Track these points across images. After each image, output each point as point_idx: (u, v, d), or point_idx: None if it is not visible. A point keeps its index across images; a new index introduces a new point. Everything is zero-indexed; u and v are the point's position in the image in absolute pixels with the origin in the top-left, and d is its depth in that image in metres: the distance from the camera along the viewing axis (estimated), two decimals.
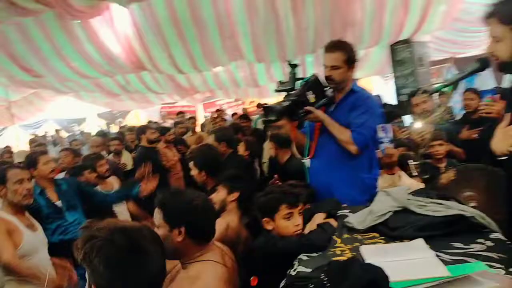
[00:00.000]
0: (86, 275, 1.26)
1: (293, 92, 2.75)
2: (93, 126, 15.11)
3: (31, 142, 8.86)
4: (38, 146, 7.29)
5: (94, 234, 1.23)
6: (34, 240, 2.93)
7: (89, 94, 11.51)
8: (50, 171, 3.58)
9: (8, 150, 8.21)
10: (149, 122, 11.17)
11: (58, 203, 3.53)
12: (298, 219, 2.15)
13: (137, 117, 17.02)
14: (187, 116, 10.18)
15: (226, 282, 1.83)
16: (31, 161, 3.56)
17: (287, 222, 2.13)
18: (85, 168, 4.31)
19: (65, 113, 15.35)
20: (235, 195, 2.68)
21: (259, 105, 11.99)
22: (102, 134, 8.57)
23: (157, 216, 1.82)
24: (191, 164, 3.21)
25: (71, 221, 3.51)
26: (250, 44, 6.72)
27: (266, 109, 2.69)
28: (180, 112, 9.46)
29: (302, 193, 2.31)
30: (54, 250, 3.10)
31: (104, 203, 3.93)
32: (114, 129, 13.85)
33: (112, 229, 1.24)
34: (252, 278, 2.16)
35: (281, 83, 2.86)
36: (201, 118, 13.97)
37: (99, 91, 10.11)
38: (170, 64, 7.02)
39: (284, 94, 2.84)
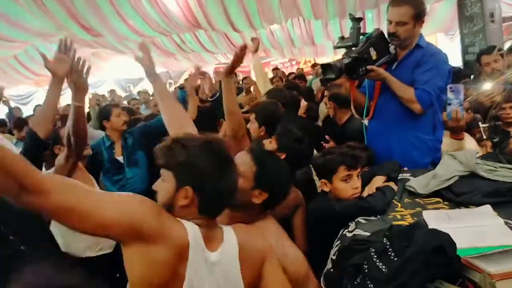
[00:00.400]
0: (167, 179, 1.34)
1: (354, 48, 2.59)
2: (149, 86, 15.42)
3: (91, 100, 9.16)
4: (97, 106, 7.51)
5: (190, 142, 1.36)
6: None
7: None
8: (122, 123, 3.63)
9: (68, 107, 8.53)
10: None
11: (120, 158, 3.60)
12: (356, 182, 2.07)
13: None
14: (240, 76, 10.12)
15: None
16: (104, 113, 3.63)
17: (345, 185, 2.06)
18: None
19: (124, 73, 15.72)
20: (282, 155, 2.36)
21: (314, 65, 11.73)
22: None
23: (247, 165, 1.69)
24: (252, 116, 3.03)
25: (130, 176, 3.59)
26: None
27: (325, 67, 2.56)
28: None
29: (361, 155, 2.21)
30: None
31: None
32: (171, 89, 14.06)
33: (206, 139, 1.38)
34: None
35: (341, 38, 2.70)
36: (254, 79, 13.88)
37: (155, 51, 10.24)
38: (225, 21, 6.95)
39: (343, 51, 2.69)
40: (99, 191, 1.35)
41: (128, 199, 1.27)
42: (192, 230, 1.29)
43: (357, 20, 2.59)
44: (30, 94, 13.49)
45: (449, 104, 2.26)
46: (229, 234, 1.41)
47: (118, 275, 2.88)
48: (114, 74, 15.44)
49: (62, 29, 6.78)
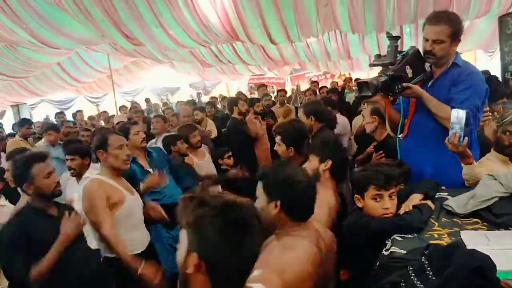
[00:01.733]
0: (183, 238, 1.18)
1: (391, 66, 2.60)
2: (186, 95, 15.69)
3: (131, 108, 9.42)
4: (137, 113, 7.73)
5: (208, 201, 1.16)
6: (133, 202, 3.03)
7: (184, 64, 11.94)
8: (141, 140, 3.69)
9: (105, 115, 8.80)
10: (238, 93, 11.36)
11: (150, 170, 3.68)
12: (387, 202, 2.03)
13: (228, 88, 17.41)
14: (275, 88, 10.20)
15: (316, 264, 1.76)
16: (122, 131, 3.64)
17: (375, 204, 2.04)
18: (179, 138, 4.47)
19: (161, 82, 16.08)
20: (328, 163, 2.55)
21: (346, 80, 11.71)
22: (192, 103, 8.89)
23: (259, 187, 1.87)
24: (278, 139, 3.15)
25: (163, 187, 3.66)
26: (346, 13, 6.52)
27: (361, 84, 2.57)
28: (262, 85, 9.52)
29: (395, 174, 2.15)
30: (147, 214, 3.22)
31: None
32: (205, 99, 14.29)
33: (226, 201, 1.18)
34: (342, 271, 2.12)
35: (378, 56, 2.71)
36: (288, 91, 13.95)
37: (193, 61, 10.43)
38: (263, 33, 7.01)
39: (378, 68, 2.70)
40: None
41: None
42: None
43: (394, 39, 2.59)
44: (71, 99, 13.95)
45: (452, 129, 2.24)
46: None
47: None
48: (152, 83, 15.81)
49: (105, 37, 6.99)
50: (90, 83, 12.34)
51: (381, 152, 3.40)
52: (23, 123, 6.78)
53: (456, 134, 2.19)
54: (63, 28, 6.66)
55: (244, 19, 6.64)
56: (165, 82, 16.10)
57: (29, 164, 2.51)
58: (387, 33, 2.69)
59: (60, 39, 7.02)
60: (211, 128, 6.39)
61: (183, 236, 1.17)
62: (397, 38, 2.61)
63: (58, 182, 2.63)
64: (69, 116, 10.28)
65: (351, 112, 6.42)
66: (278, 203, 1.81)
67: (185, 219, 1.16)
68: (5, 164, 4.10)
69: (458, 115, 2.18)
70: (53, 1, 5.82)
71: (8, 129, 9.22)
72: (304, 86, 12.29)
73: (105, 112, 10.94)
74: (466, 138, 2.20)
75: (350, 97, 8.18)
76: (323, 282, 1.84)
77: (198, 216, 1.13)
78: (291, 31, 7.01)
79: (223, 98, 10.16)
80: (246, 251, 1.13)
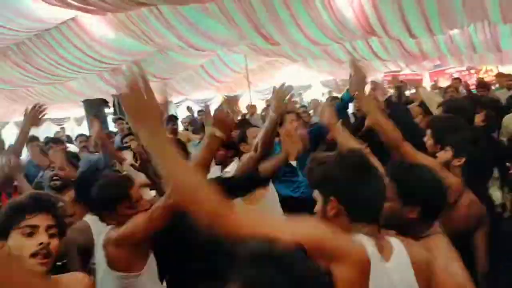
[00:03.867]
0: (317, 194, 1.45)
1: None
2: (317, 93, 15.67)
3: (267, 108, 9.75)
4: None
5: (323, 159, 1.48)
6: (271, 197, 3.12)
7: (316, 62, 11.95)
8: (294, 129, 3.72)
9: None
10: (370, 90, 10.97)
11: (294, 162, 3.69)
12: None
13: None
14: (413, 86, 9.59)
15: None
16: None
17: None
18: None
19: (294, 81, 16.27)
20: (461, 160, 2.30)
21: (499, 75, 10.63)
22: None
23: (389, 188, 1.68)
24: (428, 132, 2.98)
25: (302, 180, 3.70)
26: (497, 1, 5.92)
27: None
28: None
29: None
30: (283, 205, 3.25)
31: None
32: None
33: (339, 152, 1.53)
34: None
35: None
36: (428, 88, 13.11)
37: (325, 58, 10.39)
38: (402, 27, 6.71)
39: None
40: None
41: (303, 223, 1.24)
42: (366, 243, 1.31)
43: None
44: (210, 98, 14.87)
45: None
46: (397, 243, 1.43)
47: None
48: (283, 82, 16.11)
49: (244, 38, 7.33)
50: (228, 82, 13.04)
51: None
52: (169, 120, 7.51)
53: None
54: (208, 32, 7.12)
55: (382, 12, 6.42)
56: (296, 80, 16.25)
57: None
58: None
59: (205, 42, 7.54)
60: None
61: (317, 195, 1.44)
62: None
63: None
64: None
65: (501, 110, 5.80)
66: (418, 208, 1.66)
67: (315, 178, 1.47)
68: None
69: None
70: (201, 7, 6.26)
71: None
72: (445, 83, 11.43)
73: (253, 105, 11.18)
74: None
75: (501, 94, 7.40)
76: None
77: (326, 169, 1.43)
78: (432, 23, 6.59)
79: None
80: (369, 182, 1.38)
